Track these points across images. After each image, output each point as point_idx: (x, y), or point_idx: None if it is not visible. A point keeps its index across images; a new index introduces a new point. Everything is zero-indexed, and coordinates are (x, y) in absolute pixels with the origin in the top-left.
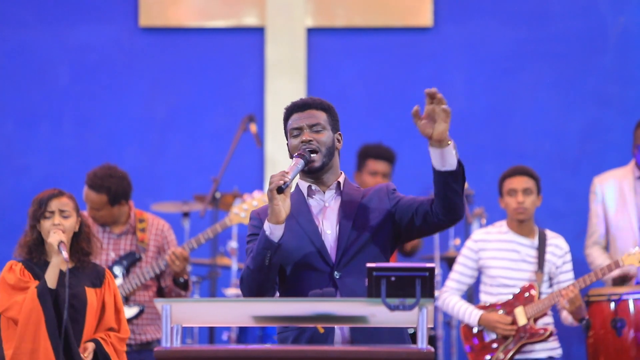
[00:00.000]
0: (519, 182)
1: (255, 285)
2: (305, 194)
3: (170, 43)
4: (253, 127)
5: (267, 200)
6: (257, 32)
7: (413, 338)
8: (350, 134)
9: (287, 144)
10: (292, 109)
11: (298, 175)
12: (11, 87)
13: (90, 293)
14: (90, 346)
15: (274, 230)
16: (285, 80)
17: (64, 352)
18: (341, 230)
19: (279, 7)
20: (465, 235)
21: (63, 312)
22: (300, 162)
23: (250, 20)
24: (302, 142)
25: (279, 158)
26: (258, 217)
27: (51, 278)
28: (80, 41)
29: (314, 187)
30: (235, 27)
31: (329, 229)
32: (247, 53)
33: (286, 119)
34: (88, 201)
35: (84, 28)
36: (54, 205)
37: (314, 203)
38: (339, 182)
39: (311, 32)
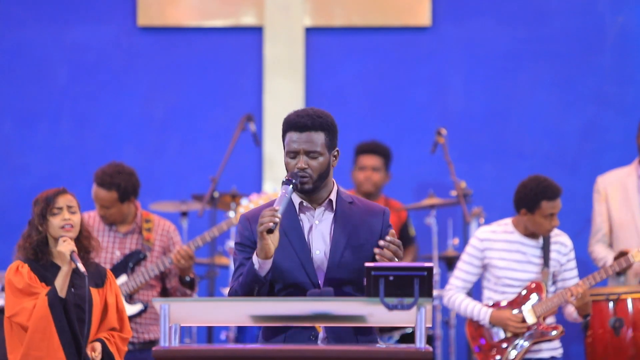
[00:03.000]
0: (557, 205)
1: None
2: (297, 210)
3: (168, 42)
4: (252, 127)
5: (267, 201)
6: (256, 32)
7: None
8: (348, 133)
9: (284, 154)
10: (291, 127)
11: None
12: (10, 86)
13: (94, 293)
14: (98, 346)
15: (262, 265)
16: (283, 79)
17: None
18: (332, 252)
19: (277, 6)
20: (464, 234)
21: (71, 316)
22: (289, 190)
23: (248, 20)
24: (297, 168)
25: (277, 157)
26: (248, 223)
27: (61, 286)
28: (78, 40)
29: (305, 203)
30: (233, 26)
31: (317, 249)
32: (245, 52)
33: (284, 131)
34: (98, 200)
35: (82, 27)
36: (62, 201)
37: (304, 219)
38: (330, 200)
39: (309, 31)
